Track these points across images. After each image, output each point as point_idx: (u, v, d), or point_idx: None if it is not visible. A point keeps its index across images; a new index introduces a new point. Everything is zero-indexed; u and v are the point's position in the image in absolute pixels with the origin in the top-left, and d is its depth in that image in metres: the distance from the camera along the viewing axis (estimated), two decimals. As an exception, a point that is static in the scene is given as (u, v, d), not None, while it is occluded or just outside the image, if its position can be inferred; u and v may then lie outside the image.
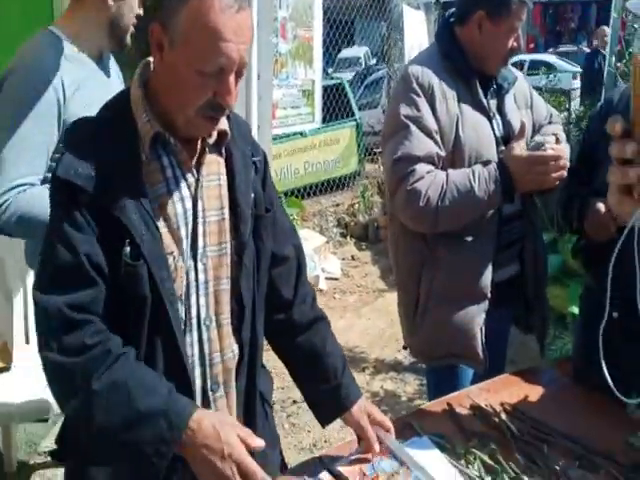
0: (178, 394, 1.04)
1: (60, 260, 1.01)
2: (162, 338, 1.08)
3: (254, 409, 1.23)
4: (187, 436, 0.99)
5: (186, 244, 1.10)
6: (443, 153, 1.64)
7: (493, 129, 1.70)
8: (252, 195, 1.19)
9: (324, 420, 1.33)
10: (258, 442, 1.03)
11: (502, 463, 1.28)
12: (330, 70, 11.15)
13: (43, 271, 1.05)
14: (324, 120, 6.22)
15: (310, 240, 4.71)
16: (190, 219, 1.11)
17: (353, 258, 5.22)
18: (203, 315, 1.13)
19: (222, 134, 1.15)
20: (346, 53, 13.06)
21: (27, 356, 2.45)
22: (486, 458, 1.30)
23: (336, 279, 4.79)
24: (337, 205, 6.16)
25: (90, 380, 0.98)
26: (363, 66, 12.70)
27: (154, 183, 1.08)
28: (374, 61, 12.83)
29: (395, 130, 1.65)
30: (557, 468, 1.28)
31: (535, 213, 1.83)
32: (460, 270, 1.65)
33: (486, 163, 1.63)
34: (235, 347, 1.18)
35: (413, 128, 1.61)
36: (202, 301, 1.13)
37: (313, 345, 1.30)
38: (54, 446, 2.95)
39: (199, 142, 1.12)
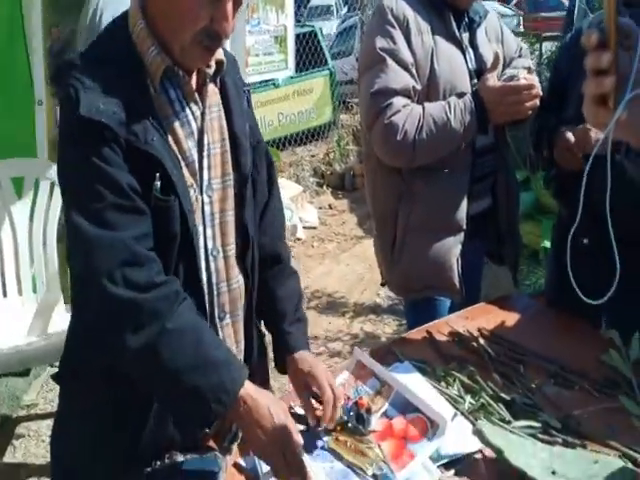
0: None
1: (106, 199, 0.98)
2: (184, 270, 1.09)
3: (252, 334, 1.26)
4: (244, 409, 1.01)
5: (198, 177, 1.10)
6: (419, 86, 1.63)
7: (466, 62, 1.69)
8: (247, 125, 1.19)
9: (277, 366, 1.29)
10: (299, 438, 1.05)
11: (480, 383, 1.33)
12: (302, 19, 10.87)
13: (88, 210, 0.99)
14: (297, 69, 6.09)
15: (287, 189, 4.69)
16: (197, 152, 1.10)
17: (330, 207, 5.23)
18: (210, 246, 1.14)
19: (219, 64, 1.13)
20: (317, 1, 12.73)
21: (5, 309, 2.44)
22: (465, 379, 1.35)
23: (314, 228, 4.81)
24: (313, 155, 6.12)
25: (161, 319, 0.98)
26: (334, 14, 12.41)
27: (165, 117, 1.06)
28: (345, 9, 12.54)
29: (371, 63, 1.63)
30: (533, 386, 1.34)
31: (506, 147, 1.85)
32: (437, 203, 1.67)
33: (461, 95, 1.63)
34: (240, 277, 1.19)
35: (389, 61, 1.60)
36: (209, 232, 1.13)
37: (268, 286, 1.28)
38: (36, 400, 2.96)
39: (195, 73, 1.10)
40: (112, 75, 1.01)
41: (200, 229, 1.11)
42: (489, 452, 1.14)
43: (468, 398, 1.30)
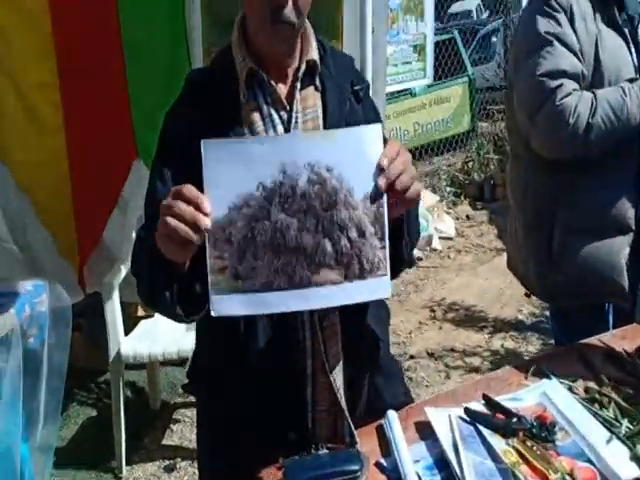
0: None
1: (147, 209, 1.16)
2: None
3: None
4: None
5: None
6: (587, 72, 1.56)
7: (631, 54, 1.60)
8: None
9: None
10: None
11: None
12: (440, 26, 10.75)
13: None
14: (435, 77, 6.04)
15: (423, 199, 4.65)
16: None
17: (468, 217, 5.10)
18: None
19: (311, 64, 1.16)
20: (456, 7, 12.50)
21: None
22: (621, 402, 1.27)
23: (450, 239, 4.72)
24: (450, 164, 6.01)
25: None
26: (475, 19, 12.12)
27: (252, 122, 1.13)
28: (487, 14, 12.19)
29: (535, 47, 1.57)
30: None
31: None
32: (602, 199, 1.58)
33: (631, 80, 1.54)
34: None
35: (556, 43, 1.54)
36: None
37: None
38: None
39: (291, 76, 1.16)
40: (209, 86, 1.14)
41: None
42: (649, 482, 1.07)
43: (625, 422, 1.22)
